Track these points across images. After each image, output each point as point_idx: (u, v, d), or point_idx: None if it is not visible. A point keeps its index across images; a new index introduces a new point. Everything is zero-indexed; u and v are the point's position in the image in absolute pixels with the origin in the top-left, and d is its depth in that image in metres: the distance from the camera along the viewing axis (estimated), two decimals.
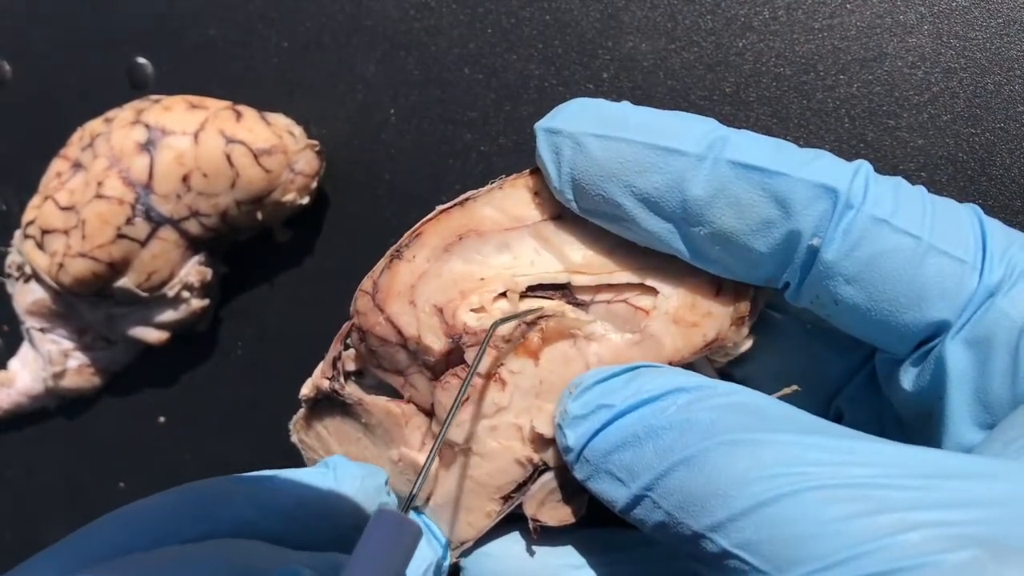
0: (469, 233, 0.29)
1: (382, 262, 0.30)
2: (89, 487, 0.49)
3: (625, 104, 0.28)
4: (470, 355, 0.29)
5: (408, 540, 0.24)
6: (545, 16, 0.39)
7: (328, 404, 0.32)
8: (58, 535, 0.26)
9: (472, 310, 0.29)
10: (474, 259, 0.29)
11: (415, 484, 0.26)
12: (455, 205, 0.30)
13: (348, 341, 0.31)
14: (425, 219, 0.30)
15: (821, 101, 0.35)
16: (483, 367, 0.29)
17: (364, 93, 0.42)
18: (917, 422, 0.27)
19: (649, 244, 0.28)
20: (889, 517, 0.20)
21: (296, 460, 0.34)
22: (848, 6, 0.34)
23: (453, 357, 0.29)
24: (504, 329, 0.28)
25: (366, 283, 0.30)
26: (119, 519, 0.26)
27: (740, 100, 0.36)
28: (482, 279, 0.29)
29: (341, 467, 0.29)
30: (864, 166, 0.26)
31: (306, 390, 0.32)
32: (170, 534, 0.26)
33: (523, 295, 0.29)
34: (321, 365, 0.32)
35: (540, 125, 0.28)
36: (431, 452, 0.27)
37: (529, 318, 0.28)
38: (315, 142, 0.41)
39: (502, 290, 0.29)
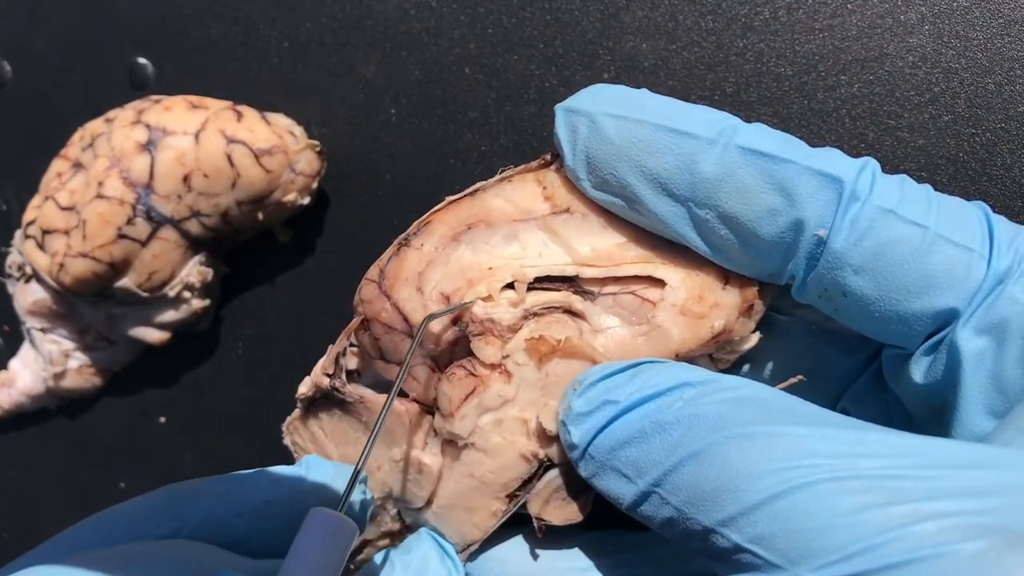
0: (478, 223, 0.29)
1: (389, 250, 0.30)
2: (89, 487, 0.49)
3: (644, 91, 0.28)
4: (476, 344, 0.29)
5: (344, 539, 0.24)
6: (546, 16, 0.39)
7: (325, 403, 0.32)
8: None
9: (479, 299, 0.29)
10: (482, 248, 0.29)
11: (355, 469, 0.26)
12: (465, 196, 0.30)
13: (353, 339, 0.31)
14: (434, 209, 0.30)
15: (822, 101, 0.35)
16: (488, 358, 0.29)
17: (365, 93, 0.42)
18: (927, 416, 0.27)
19: (657, 229, 0.28)
20: (903, 508, 0.20)
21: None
22: (849, 6, 0.34)
23: (458, 348, 0.29)
24: (509, 319, 0.29)
25: (372, 271, 0.30)
26: (98, 520, 0.27)
27: (741, 100, 0.36)
28: (490, 268, 0.29)
29: (314, 465, 0.30)
30: (871, 162, 0.26)
31: (304, 388, 0.32)
32: (144, 533, 0.27)
33: (530, 286, 0.29)
34: (321, 362, 0.32)
35: (560, 105, 0.29)
36: (379, 418, 0.27)
37: (461, 308, 0.29)
38: (316, 142, 0.41)
39: (509, 280, 0.29)
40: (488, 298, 0.29)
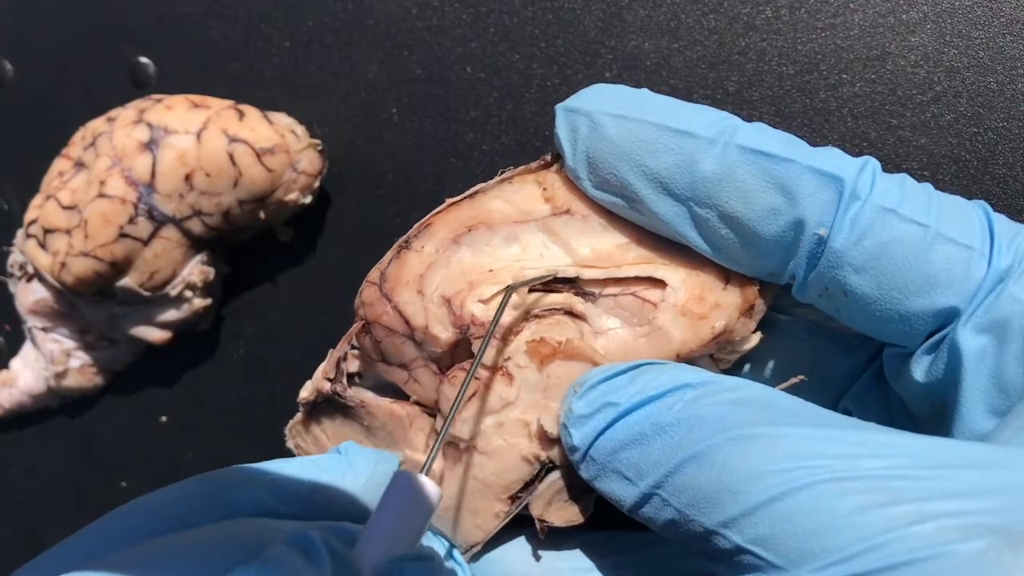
0: (479, 225, 0.29)
1: (390, 253, 0.30)
2: (91, 487, 0.49)
3: (644, 90, 0.28)
4: (477, 347, 0.29)
5: (428, 502, 0.24)
6: (547, 15, 0.38)
7: (327, 407, 0.32)
8: (59, 535, 0.26)
9: (480, 301, 0.29)
10: (483, 250, 0.29)
11: (433, 447, 0.26)
12: (465, 198, 0.30)
13: (354, 342, 0.31)
14: (434, 211, 0.30)
15: (824, 100, 0.35)
16: (489, 359, 0.29)
17: (366, 92, 0.42)
18: (928, 415, 0.27)
19: (658, 229, 0.28)
20: (903, 508, 0.20)
21: None
22: (851, 5, 0.34)
23: (459, 351, 0.29)
24: (510, 321, 0.28)
25: (373, 274, 0.30)
26: (137, 507, 0.26)
27: (743, 99, 0.36)
28: (491, 270, 0.29)
29: (353, 452, 0.29)
30: (871, 161, 0.26)
31: (305, 393, 0.32)
32: (187, 521, 0.26)
33: (531, 288, 0.29)
34: (321, 366, 0.32)
35: (560, 105, 0.29)
36: (448, 418, 0.26)
37: (545, 279, 0.28)
38: (317, 141, 0.41)
39: (511, 282, 0.29)
40: (489, 300, 0.29)
